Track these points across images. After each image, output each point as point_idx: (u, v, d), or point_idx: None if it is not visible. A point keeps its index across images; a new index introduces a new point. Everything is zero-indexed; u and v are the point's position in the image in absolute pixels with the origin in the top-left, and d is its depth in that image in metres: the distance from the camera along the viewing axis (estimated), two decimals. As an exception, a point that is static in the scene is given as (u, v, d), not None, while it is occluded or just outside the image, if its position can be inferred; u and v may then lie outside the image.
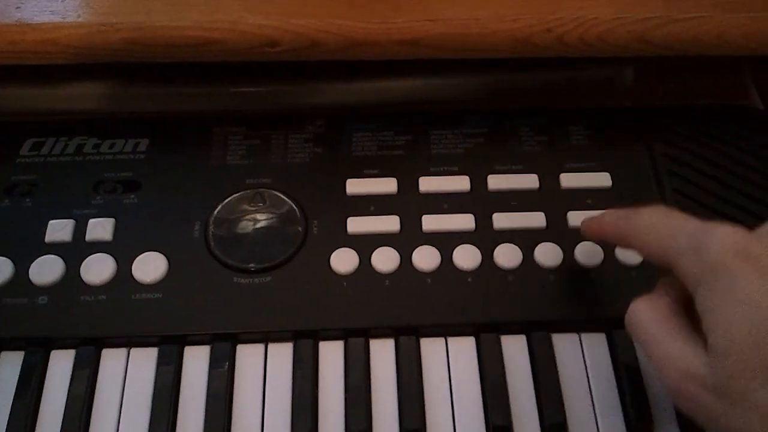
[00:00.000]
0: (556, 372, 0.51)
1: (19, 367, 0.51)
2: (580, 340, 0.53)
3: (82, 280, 0.53)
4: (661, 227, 0.44)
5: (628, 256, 0.54)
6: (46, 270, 0.53)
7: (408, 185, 0.58)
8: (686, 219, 0.43)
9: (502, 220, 0.56)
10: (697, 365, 0.39)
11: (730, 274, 0.38)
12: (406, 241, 0.55)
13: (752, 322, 0.37)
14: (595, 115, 0.62)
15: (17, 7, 0.56)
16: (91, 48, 0.55)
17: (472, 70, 0.63)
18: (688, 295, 0.41)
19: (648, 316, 0.43)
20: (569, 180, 0.58)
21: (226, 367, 0.51)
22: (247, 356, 0.52)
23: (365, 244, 0.55)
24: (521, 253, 0.54)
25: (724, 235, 0.40)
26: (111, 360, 0.52)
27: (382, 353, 0.52)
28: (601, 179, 0.58)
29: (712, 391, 0.38)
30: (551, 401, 0.50)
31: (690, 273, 0.41)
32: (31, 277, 0.53)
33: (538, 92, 0.65)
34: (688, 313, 0.42)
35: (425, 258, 0.54)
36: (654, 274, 0.52)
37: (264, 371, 0.51)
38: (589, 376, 0.51)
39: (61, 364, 0.51)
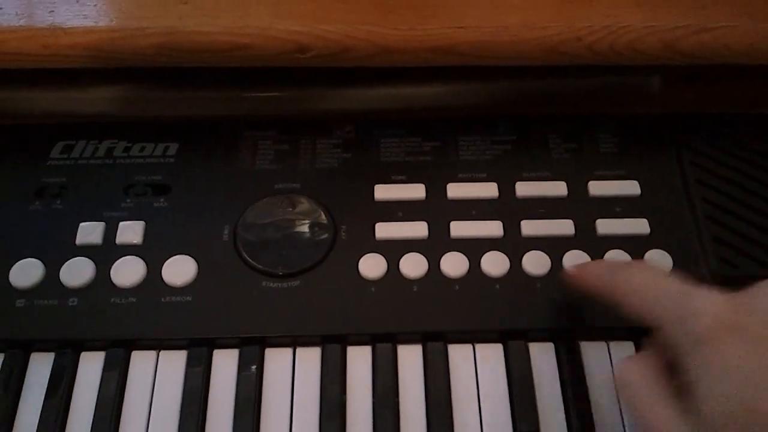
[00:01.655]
0: (584, 379, 0.51)
1: (50, 369, 0.51)
2: (608, 348, 0.53)
3: (112, 283, 0.53)
4: (646, 289, 0.44)
5: (655, 265, 0.54)
6: (77, 272, 0.54)
7: (436, 191, 0.58)
8: (671, 282, 0.43)
9: (530, 227, 0.56)
10: None
11: (719, 345, 0.39)
12: (434, 247, 0.55)
13: (745, 392, 0.37)
14: (623, 122, 0.62)
15: (50, 11, 0.56)
16: (123, 52, 0.55)
17: (500, 77, 0.63)
18: (673, 356, 0.41)
19: (638, 377, 0.43)
20: (598, 188, 0.58)
21: (255, 370, 0.51)
22: (276, 360, 0.52)
23: (393, 250, 0.55)
24: (549, 261, 0.54)
25: (708, 306, 0.40)
26: (140, 362, 0.52)
27: (410, 359, 0.52)
28: (630, 187, 0.58)
29: None
30: (579, 408, 0.50)
31: (676, 340, 0.41)
32: (61, 279, 0.53)
33: (567, 99, 0.64)
34: (672, 374, 0.42)
35: (453, 264, 0.54)
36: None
37: (292, 375, 0.52)
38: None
39: (91, 366, 0.52)
